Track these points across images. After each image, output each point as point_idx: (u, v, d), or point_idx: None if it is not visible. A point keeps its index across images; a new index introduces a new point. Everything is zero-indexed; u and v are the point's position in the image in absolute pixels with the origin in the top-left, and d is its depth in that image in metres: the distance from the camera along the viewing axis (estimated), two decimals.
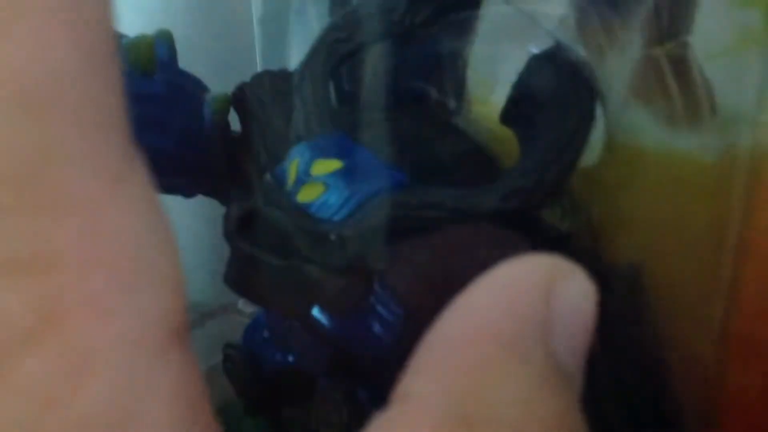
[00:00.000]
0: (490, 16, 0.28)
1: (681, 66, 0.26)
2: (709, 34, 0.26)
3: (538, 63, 0.27)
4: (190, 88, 0.33)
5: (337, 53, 0.28)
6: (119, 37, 0.30)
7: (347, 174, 0.25)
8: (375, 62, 0.28)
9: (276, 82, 0.31)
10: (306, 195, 0.25)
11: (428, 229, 0.25)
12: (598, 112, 0.27)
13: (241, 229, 0.24)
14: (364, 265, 0.24)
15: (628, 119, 0.28)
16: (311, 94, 0.27)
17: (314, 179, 0.25)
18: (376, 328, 0.25)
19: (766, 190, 0.26)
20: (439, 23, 0.28)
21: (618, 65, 0.27)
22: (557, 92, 0.27)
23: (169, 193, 0.33)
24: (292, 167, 0.26)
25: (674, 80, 0.27)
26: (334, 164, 0.25)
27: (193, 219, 0.40)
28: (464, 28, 0.29)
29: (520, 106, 0.28)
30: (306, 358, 0.29)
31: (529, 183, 0.25)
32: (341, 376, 0.28)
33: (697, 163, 0.27)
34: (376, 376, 0.26)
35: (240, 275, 0.24)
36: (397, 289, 0.25)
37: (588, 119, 0.27)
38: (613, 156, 0.28)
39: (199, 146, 0.32)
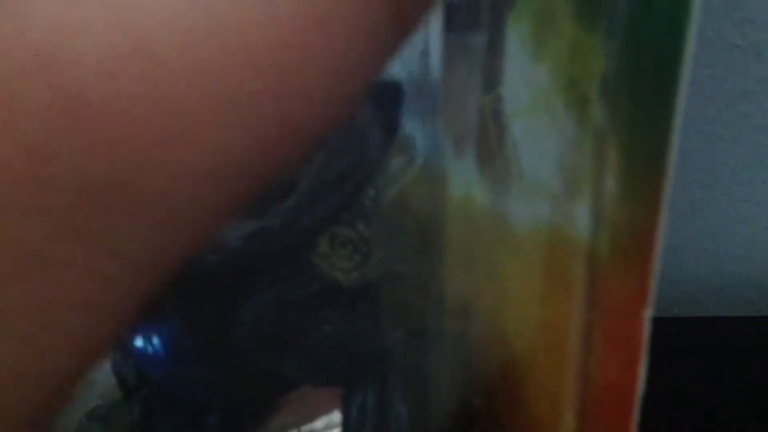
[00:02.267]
0: None
1: (497, 120, 0.24)
2: (511, 90, 0.23)
3: None
4: None
5: None
6: None
7: None
8: None
9: None
10: None
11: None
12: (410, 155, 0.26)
13: None
14: None
15: (455, 171, 0.25)
16: None
17: None
18: None
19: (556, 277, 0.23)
20: None
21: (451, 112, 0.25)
22: (338, 129, 0.25)
23: None
24: None
25: (493, 134, 0.24)
26: None
27: None
28: None
29: None
30: None
31: (277, 224, 0.25)
32: None
33: (508, 229, 0.24)
34: None
35: None
36: None
37: (367, 163, 0.25)
38: (440, 206, 0.26)
39: None
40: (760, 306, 0.48)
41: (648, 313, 0.21)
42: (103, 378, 0.36)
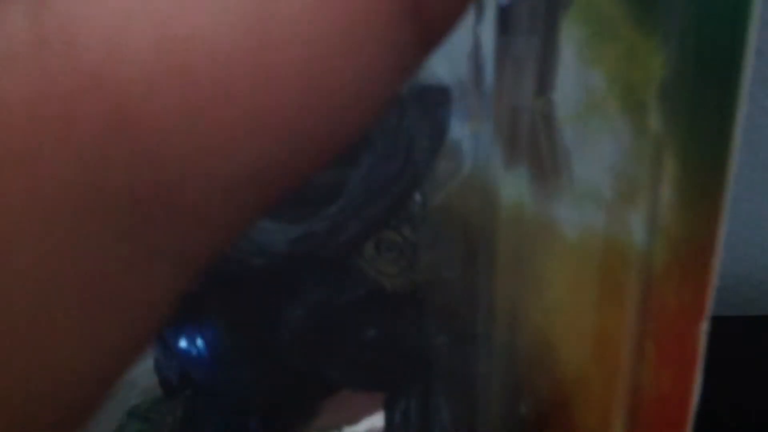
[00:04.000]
0: None
1: (549, 125, 0.24)
2: (563, 95, 0.23)
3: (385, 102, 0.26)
4: None
5: None
6: None
7: None
8: None
9: None
10: None
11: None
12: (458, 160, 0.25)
13: None
14: None
15: (504, 176, 0.25)
16: None
17: None
18: None
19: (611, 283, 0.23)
20: None
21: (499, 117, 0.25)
22: (385, 133, 0.25)
23: None
24: None
25: (544, 140, 0.24)
26: None
27: None
28: None
29: (355, 141, 0.26)
30: None
31: (323, 228, 0.24)
32: None
33: (558, 237, 0.24)
34: None
35: None
36: None
37: (414, 168, 0.25)
38: (490, 214, 0.25)
39: None
40: (760, 306, 0.48)
41: (704, 327, 0.20)
42: (144, 376, 0.36)
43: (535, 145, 0.25)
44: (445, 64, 0.25)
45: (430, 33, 0.12)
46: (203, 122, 0.10)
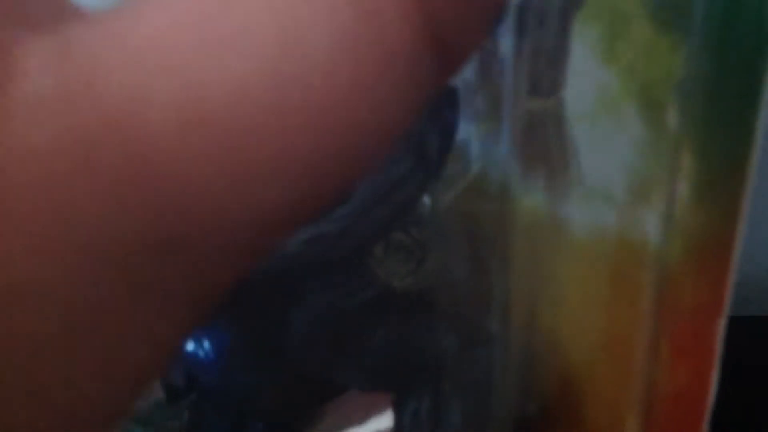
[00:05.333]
0: None
1: (559, 124, 0.24)
2: (575, 94, 0.23)
3: None
4: None
5: None
6: None
7: None
8: None
9: None
10: None
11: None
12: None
13: None
14: None
15: (516, 176, 0.25)
16: None
17: None
18: None
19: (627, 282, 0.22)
20: None
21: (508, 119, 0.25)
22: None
23: None
24: None
25: (554, 139, 0.24)
26: None
27: None
28: None
29: None
30: None
31: (334, 230, 0.24)
32: None
33: (569, 236, 0.24)
34: None
35: None
36: None
37: (425, 169, 0.25)
38: (499, 212, 0.25)
39: None
40: (760, 306, 0.48)
41: (722, 322, 0.20)
42: None
43: (546, 145, 0.25)
44: None
45: (448, 63, 0.12)
46: (227, 170, 0.10)
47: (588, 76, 0.22)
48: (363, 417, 0.31)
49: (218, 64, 0.10)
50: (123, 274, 0.10)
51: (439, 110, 0.26)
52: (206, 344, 0.30)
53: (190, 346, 0.31)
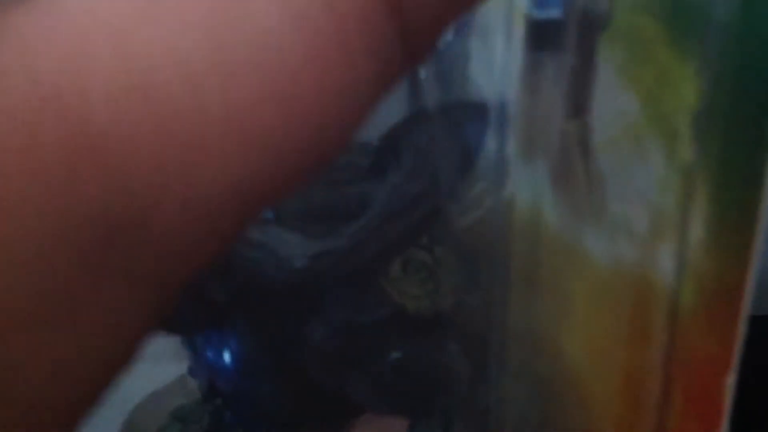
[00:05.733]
0: None
1: (585, 150, 0.22)
2: (599, 119, 0.21)
3: (416, 118, 0.25)
4: None
5: None
6: None
7: None
8: None
9: None
10: None
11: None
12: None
13: None
14: None
15: (535, 199, 0.24)
16: None
17: None
18: None
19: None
20: None
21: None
22: (414, 150, 0.24)
23: None
24: None
25: (580, 165, 0.23)
26: None
27: None
28: None
29: (383, 157, 0.25)
30: None
31: (342, 246, 0.24)
32: None
33: (588, 266, 0.22)
34: None
35: None
36: None
37: (441, 188, 0.24)
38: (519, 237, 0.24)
39: None
40: (760, 306, 0.45)
41: (731, 379, 0.19)
42: (191, 378, 0.36)
43: (568, 169, 0.23)
44: (475, 81, 0.24)
45: (414, 37, 0.11)
46: (175, 141, 0.10)
47: (611, 100, 0.21)
48: None
49: (158, 34, 0.10)
50: (81, 257, 0.10)
51: (461, 127, 0.25)
52: (225, 353, 0.30)
53: (210, 353, 0.31)
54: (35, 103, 0.10)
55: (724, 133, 0.17)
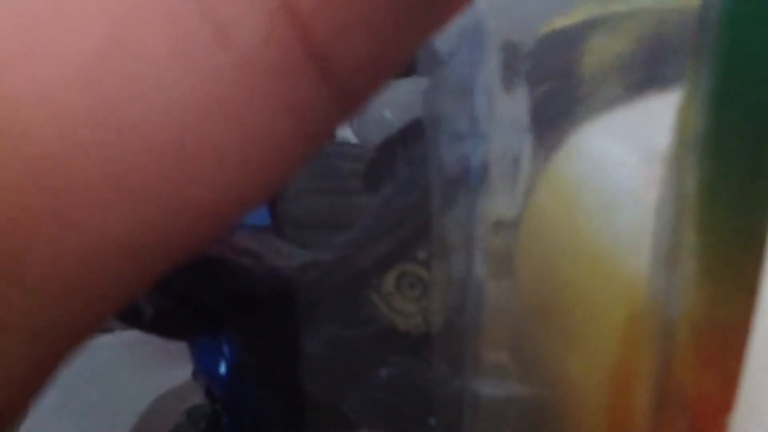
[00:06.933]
0: None
1: None
2: None
3: (412, 129, 0.24)
4: None
5: None
6: None
7: None
8: None
9: None
10: None
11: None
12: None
13: None
14: None
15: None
16: None
17: None
18: None
19: None
20: None
21: None
22: (408, 162, 0.24)
23: None
24: None
25: None
26: None
27: None
28: None
29: (378, 168, 0.25)
30: None
31: (330, 258, 0.23)
32: None
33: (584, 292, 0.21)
34: None
35: None
36: None
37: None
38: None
39: None
40: None
41: (730, 419, 0.17)
42: None
43: None
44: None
45: (342, 86, 0.10)
46: (44, 188, 0.09)
47: None
48: None
49: (30, 79, 0.09)
50: None
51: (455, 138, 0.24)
52: (220, 361, 0.30)
53: (205, 359, 0.30)
54: None
55: (720, 158, 0.15)
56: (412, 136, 0.24)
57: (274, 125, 0.10)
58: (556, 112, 0.22)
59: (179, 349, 0.33)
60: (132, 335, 0.39)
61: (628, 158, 0.22)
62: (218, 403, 0.33)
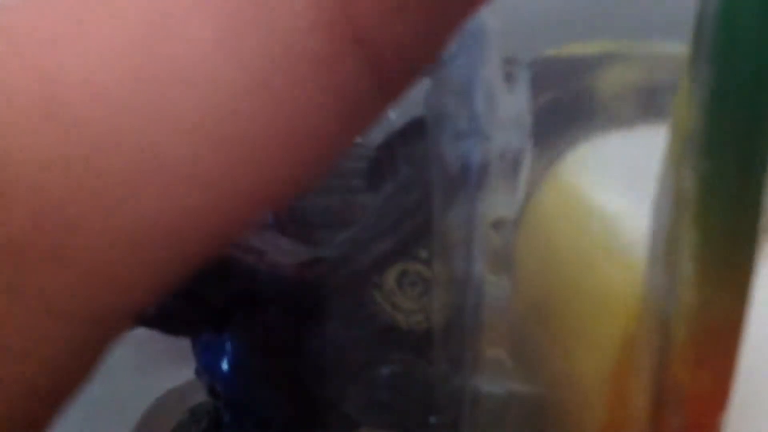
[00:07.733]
0: None
1: None
2: None
3: (414, 128, 0.24)
4: None
5: None
6: None
7: None
8: None
9: None
10: None
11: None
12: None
13: None
14: None
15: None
16: None
17: None
18: None
19: None
20: None
21: None
22: (411, 160, 0.24)
23: None
24: None
25: None
26: None
27: None
28: None
29: (379, 166, 0.25)
30: None
31: (332, 255, 0.23)
32: None
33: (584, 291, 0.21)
34: None
35: None
36: None
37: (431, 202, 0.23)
38: None
39: None
40: None
41: (724, 417, 0.17)
42: None
43: None
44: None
45: (384, 72, 0.10)
46: (89, 168, 0.09)
47: None
48: None
49: (67, 54, 0.09)
50: None
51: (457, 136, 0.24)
52: (222, 357, 0.30)
53: (208, 356, 0.30)
54: None
55: (716, 158, 0.16)
56: (413, 135, 0.24)
57: (319, 110, 0.10)
58: (561, 121, 0.22)
59: (182, 347, 0.34)
60: (135, 333, 0.39)
61: (630, 165, 0.22)
62: (220, 400, 0.33)
